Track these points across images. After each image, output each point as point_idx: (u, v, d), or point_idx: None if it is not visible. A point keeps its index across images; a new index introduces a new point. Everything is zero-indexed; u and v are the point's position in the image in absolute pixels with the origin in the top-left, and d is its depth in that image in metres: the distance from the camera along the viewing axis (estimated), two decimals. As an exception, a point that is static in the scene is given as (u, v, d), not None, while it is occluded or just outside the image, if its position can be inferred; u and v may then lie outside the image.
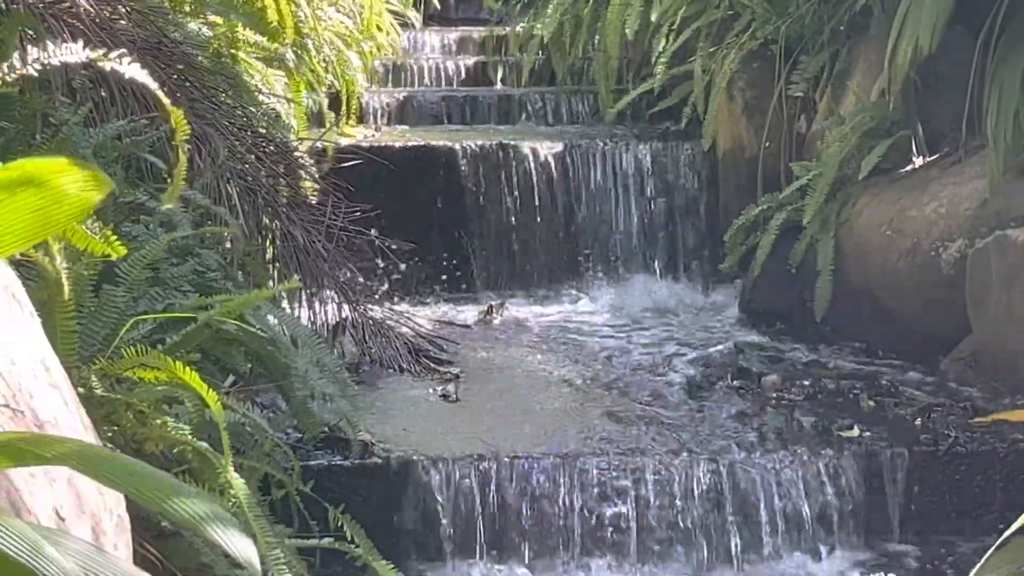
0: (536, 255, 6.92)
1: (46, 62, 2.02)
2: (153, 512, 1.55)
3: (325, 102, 7.45)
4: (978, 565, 2.90)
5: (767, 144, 6.65)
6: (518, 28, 9.26)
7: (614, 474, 4.44)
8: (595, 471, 4.44)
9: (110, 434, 2.99)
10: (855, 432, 4.70)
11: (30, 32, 4.19)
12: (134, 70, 2.01)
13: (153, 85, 2.07)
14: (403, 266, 6.40)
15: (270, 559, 2.94)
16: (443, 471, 4.37)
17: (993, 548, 2.95)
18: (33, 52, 2.04)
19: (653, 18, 7.51)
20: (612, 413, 4.94)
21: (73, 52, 2.04)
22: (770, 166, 6.62)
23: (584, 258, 6.95)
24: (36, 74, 2.02)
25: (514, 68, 9.19)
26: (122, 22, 4.52)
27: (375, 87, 8.56)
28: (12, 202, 1.35)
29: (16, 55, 2.06)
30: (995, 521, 4.47)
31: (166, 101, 2.12)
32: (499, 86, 9.07)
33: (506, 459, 4.43)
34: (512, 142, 6.99)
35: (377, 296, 5.80)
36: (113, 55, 1.98)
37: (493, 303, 6.60)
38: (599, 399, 5.13)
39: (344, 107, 7.54)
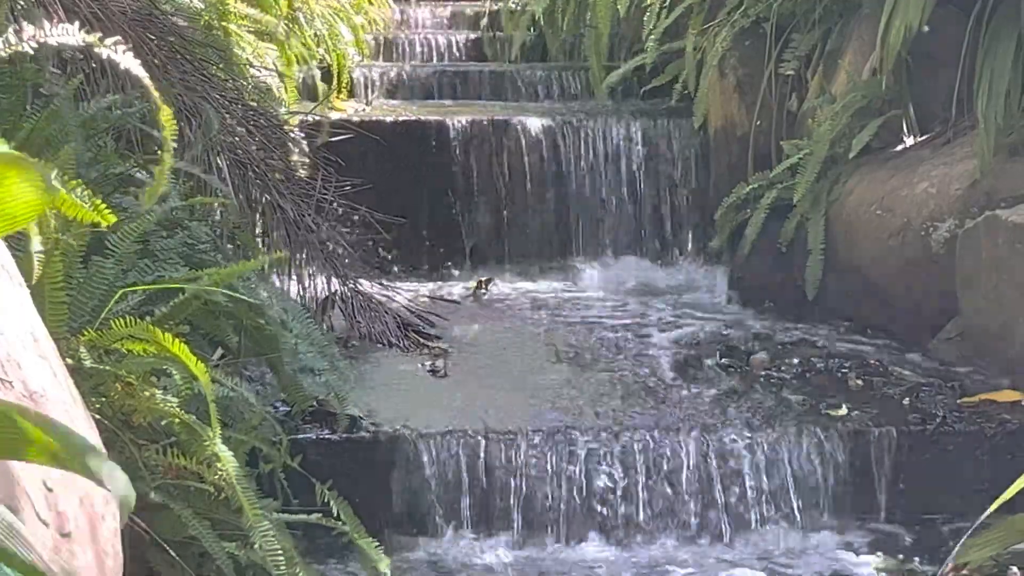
0: (526, 231, 6.91)
1: (42, 40, 2.01)
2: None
3: (317, 75, 7.44)
4: (960, 542, 2.91)
5: (758, 122, 6.63)
6: (511, 3, 9.24)
7: (603, 450, 4.45)
8: (583, 446, 4.44)
9: (98, 405, 2.99)
10: (843, 411, 4.71)
11: (20, 4, 4.17)
12: (130, 62, 2.01)
13: (148, 80, 2.06)
14: (392, 241, 6.39)
15: (257, 531, 2.94)
16: (431, 445, 4.38)
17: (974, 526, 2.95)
18: (29, 30, 2.03)
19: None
20: (600, 389, 4.95)
21: (70, 34, 2.04)
22: (761, 144, 6.61)
23: (574, 234, 6.94)
24: (31, 51, 2.02)
25: (506, 44, 9.16)
26: (113, -7, 4.51)
27: (366, 61, 8.53)
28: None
29: (11, 29, 2.05)
30: (982, 501, 4.45)
31: (156, 95, 2.11)
32: (491, 62, 9.04)
33: (494, 434, 4.43)
34: (503, 118, 6.97)
35: (366, 271, 5.79)
36: (109, 42, 1.98)
37: (482, 279, 6.59)
38: (588, 375, 5.14)
39: (335, 81, 7.52)
